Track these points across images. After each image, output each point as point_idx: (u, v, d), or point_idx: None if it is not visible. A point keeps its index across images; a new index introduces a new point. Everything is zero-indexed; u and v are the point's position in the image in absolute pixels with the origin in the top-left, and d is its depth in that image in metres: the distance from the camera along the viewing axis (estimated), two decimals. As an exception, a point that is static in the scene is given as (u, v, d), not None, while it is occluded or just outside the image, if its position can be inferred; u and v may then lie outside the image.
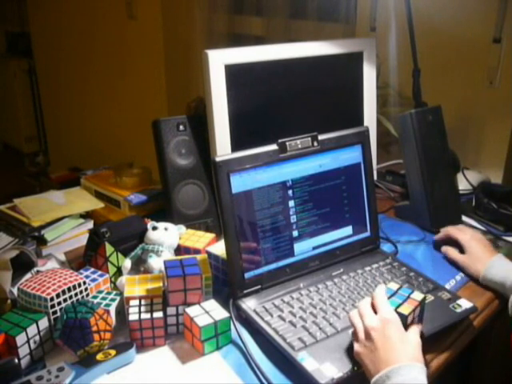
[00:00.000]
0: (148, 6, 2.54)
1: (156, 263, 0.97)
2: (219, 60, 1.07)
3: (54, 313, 0.82)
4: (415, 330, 0.76)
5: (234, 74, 1.08)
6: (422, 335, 0.77)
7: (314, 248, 0.99)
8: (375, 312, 0.76)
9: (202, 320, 0.82)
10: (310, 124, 1.03)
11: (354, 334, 0.77)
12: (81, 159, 2.70)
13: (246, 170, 0.90)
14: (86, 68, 2.93)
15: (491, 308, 0.97)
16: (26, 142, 3.83)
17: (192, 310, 0.84)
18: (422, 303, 0.78)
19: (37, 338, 0.80)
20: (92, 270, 0.94)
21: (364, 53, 1.24)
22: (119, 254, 0.98)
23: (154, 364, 0.81)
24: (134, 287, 0.89)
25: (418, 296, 0.79)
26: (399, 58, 1.54)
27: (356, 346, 0.75)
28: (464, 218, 1.27)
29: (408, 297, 0.79)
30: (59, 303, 0.82)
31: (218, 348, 0.84)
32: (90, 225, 1.22)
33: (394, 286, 0.81)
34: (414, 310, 0.77)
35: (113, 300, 0.88)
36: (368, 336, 0.74)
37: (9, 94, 3.75)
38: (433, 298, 0.91)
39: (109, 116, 2.90)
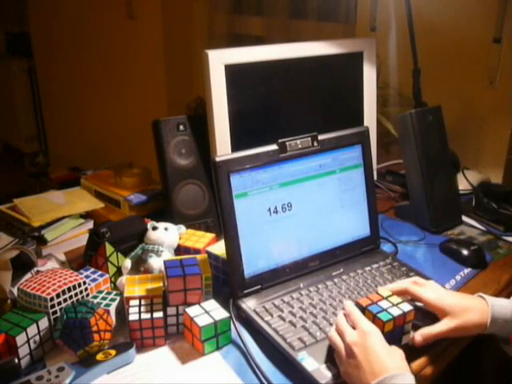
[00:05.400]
0: (148, 6, 2.54)
1: (156, 263, 0.97)
2: (219, 60, 1.07)
3: (54, 313, 0.82)
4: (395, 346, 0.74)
5: (234, 73, 1.08)
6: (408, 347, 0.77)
7: (314, 248, 0.99)
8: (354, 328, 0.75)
9: (202, 320, 0.82)
10: (310, 124, 1.03)
11: (337, 356, 0.75)
12: (81, 159, 2.70)
13: (246, 170, 0.90)
14: (86, 68, 2.93)
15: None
16: (26, 142, 3.82)
17: (192, 310, 0.84)
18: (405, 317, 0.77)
19: (37, 338, 0.80)
20: (92, 270, 0.94)
21: (364, 53, 1.24)
22: (119, 254, 0.98)
23: (154, 364, 0.81)
24: (134, 287, 0.89)
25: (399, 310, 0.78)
26: (399, 58, 1.54)
27: (341, 368, 0.73)
28: (464, 218, 1.27)
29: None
30: (59, 303, 0.82)
31: (217, 348, 0.84)
32: (90, 225, 1.22)
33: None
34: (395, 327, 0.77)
35: (113, 300, 0.88)
36: (351, 353, 0.72)
37: (9, 94, 3.74)
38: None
39: (109, 116, 2.90)
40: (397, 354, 0.72)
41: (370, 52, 1.24)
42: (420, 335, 0.79)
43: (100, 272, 0.94)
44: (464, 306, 0.79)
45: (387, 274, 0.98)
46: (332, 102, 1.26)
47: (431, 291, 0.83)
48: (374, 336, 0.72)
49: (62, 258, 1.10)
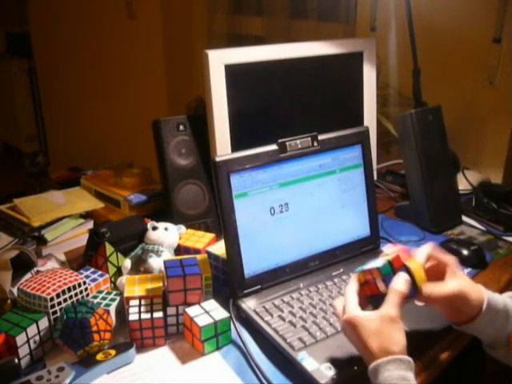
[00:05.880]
0: (148, 6, 2.54)
1: (156, 263, 0.97)
2: (219, 60, 1.07)
3: (54, 313, 0.82)
4: (390, 304, 0.70)
5: (234, 74, 1.08)
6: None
7: (314, 248, 0.99)
8: None
9: (202, 320, 0.82)
10: (310, 124, 1.03)
11: None
12: (81, 159, 2.70)
13: (246, 170, 0.90)
14: (86, 68, 2.93)
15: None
16: (25, 142, 3.82)
17: (192, 310, 0.84)
18: (382, 270, 0.72)
19: (37, 338, 0.80)
20: (92, 270, 0.94)
21: (364, 53, 1.24)
22: (119, 254, 0.98)
23: (154, 364, 0.81)
24: (134, 287, 0.89)
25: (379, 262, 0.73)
26: (399, 58, 1.54)
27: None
28: (464, 218, 1.27)
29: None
30: (59, 303, 0.82)
31: (217, 348, 0.84)
32: (90, 225, 1.22)
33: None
34: (368, 281, 0.73)
35: (113, 300, 0.88)
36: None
37: (9, 94, 3.74)
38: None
39: (109, 116, 2.90)
40: (384, 333, 0.68)
41: (370, 52, 1.24)
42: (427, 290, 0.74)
43: (100, 272, 0.94)
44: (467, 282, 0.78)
45: (387, 273, 0.98)
46: (332, 102, 1.26)
47: None
48: (357, 324, 0.70)
49: (62, 258, 1.10)
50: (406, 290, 0.71)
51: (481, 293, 0.77)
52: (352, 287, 0.75)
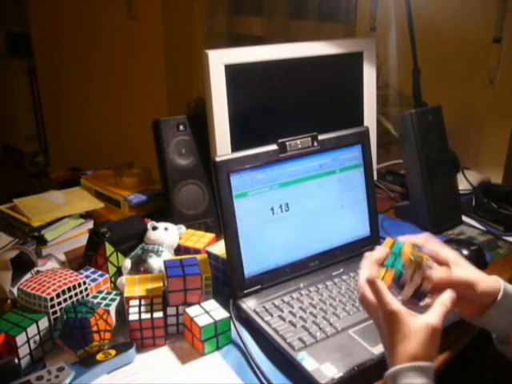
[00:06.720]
0: (148, 6, 2.54)
1: (156, 263, 0.97)
2: (219, 60, 1.07)
3: (54, 313, 0.82)
4: (439, 316, 0.66)
5: (234, 74, 1.08)
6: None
7: (314, 248, 0.99)
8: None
9: (202, 320, 0.82)
10: (310, 124, 1.03)
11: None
12: (81, 159, 2.70)
13: (245, 170, 0.90)
14: (86, 68, 2.93)
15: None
16: (26, 142, 3.82)
17: (192, 310, 0.84)
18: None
19: (37, 338, 0.80)
20: (92, 270, 0.94)
21: (364, 53, 1.24)
22: (119, 254, 0.98)
23: (154, 364, 0.81)
24: (134, 287, 0.89)
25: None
26: (399, 58, 1.55)
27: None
28: (464, 218, 1.27)
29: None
30: (59, 303, 0.82)
31: (218, 348, 0.84)
32: (90, 225, 1.22)
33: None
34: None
35: (113, 300, 0.88)
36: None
37: (9, 94, 3.74)
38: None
39: (109, 116, 2.90)
40: (419, 337, 0.65)
41: (370, 52, 1.24)
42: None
43: (100, 272, 0.94)
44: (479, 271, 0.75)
45: (387, 273, 0.98)
46: (332, 102, 1.26)
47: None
48: (396, 322, 0.66)
49: (62, 258, 1.10)
50: (451, 309, 0.69)
51: (496, 282, 0.74)
52: (365, 273, 0.70)
